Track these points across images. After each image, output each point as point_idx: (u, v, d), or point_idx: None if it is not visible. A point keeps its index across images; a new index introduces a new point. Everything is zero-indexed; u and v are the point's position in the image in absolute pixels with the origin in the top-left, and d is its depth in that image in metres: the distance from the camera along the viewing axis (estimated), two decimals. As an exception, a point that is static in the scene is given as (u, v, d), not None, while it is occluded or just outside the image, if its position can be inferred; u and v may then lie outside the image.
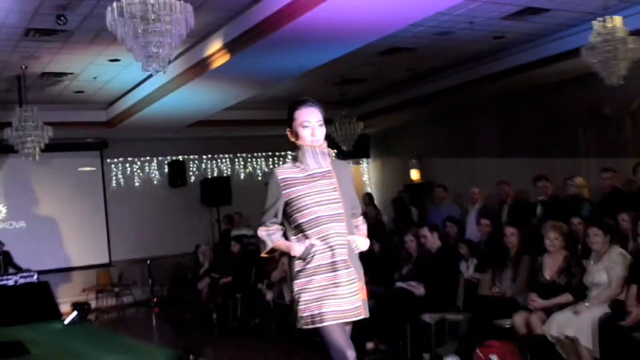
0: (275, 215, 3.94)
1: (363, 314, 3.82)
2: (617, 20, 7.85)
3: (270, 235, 3.94)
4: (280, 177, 3.97)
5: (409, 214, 12.79)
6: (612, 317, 5.45)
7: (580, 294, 5.94)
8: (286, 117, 4.08)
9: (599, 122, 11.26)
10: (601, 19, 7.87)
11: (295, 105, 4.06)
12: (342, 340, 3.72)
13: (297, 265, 3.87)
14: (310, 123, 3.98)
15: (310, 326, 3.77)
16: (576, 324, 5.53)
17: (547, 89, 11.65)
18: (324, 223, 3.83)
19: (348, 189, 4.07)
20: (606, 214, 7.42)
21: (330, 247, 3.81)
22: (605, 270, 5.82)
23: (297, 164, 4.06)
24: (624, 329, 5.23)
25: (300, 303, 3.81)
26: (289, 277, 3.98)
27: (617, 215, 6.85)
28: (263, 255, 4.04)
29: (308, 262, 3.82)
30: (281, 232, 3.98)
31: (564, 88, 11.45)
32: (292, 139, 4.06)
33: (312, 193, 3.90)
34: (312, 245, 3.81)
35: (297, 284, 3.85)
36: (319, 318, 3.73)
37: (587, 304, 5.69)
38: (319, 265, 3.81)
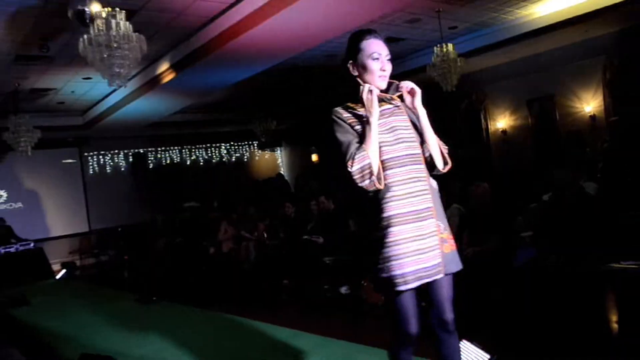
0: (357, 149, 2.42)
1: (442, 272, 2.45)
2: (450, 46, 8.14)
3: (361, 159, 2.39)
4: (345, 115, 2.54)
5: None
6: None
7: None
8: (346, 50, 2.63)
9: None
10: (439, 45, 8.13)
11: (362, 35, 2.58)
12: (411, 310, 2.47)
13: (373, 212, 2.44)
14: (381, 55, 2.54)
15: (387, 289, 2.44)
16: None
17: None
18: (401, 165, 2.47)
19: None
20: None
21: (411, 193, 2.44)
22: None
23: (358, 104, 2.54)
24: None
25: (378, 260, 2.42)
26: (362, 229, 2.59)
27: None
28: (374, 180, 2.39)
29: (384, 211, 2.42)
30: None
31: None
32: (355, 74, 2.59)
33: (383, 131, 2.49)
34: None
35: (374, 237, 2.44)
36: (400, 279, 2.39)
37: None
38: (397, 214, 2.42)
